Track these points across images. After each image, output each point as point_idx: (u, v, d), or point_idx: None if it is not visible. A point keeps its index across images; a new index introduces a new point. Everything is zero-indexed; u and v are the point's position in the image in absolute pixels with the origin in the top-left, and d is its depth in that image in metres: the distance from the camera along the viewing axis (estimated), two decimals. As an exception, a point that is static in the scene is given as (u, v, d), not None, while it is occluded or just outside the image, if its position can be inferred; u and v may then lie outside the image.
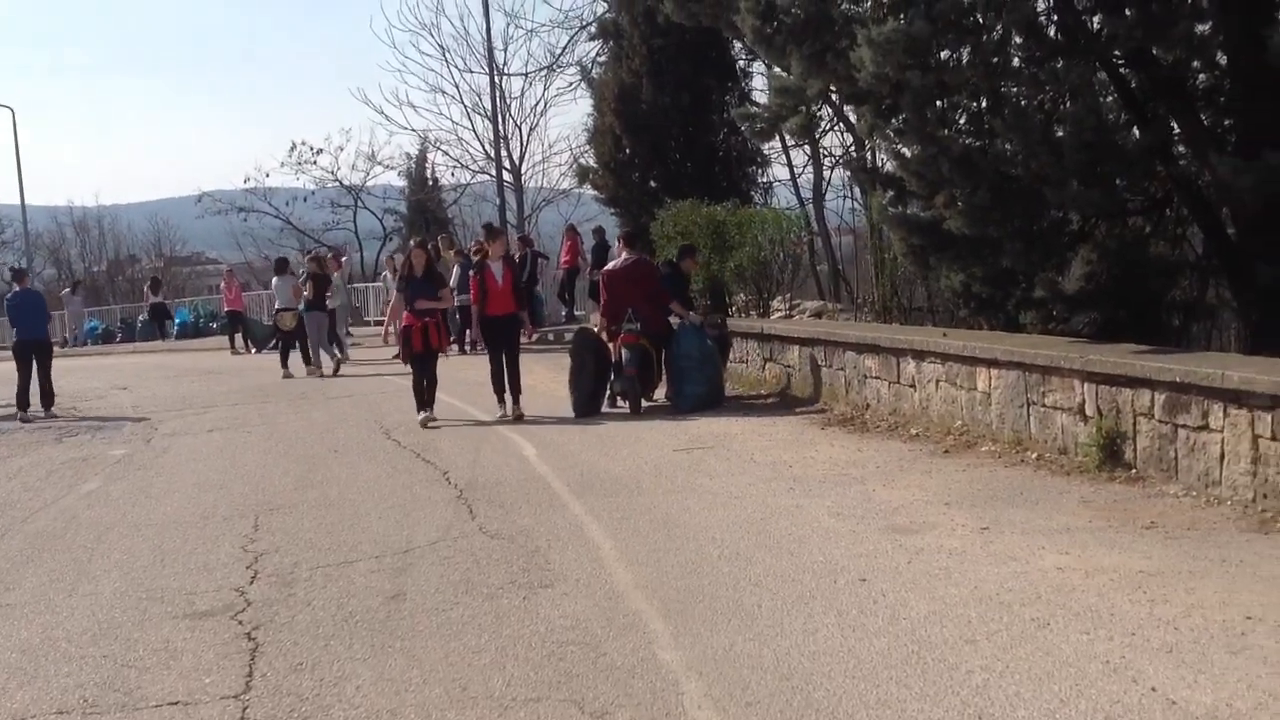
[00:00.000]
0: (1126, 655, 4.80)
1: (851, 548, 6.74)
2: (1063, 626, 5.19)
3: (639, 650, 5.28)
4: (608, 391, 13.15)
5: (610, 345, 13.14)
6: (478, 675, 5.11)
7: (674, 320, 13.19)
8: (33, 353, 17.19)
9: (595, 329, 13.64)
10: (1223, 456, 7.14)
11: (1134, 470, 7.93)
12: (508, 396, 12.95)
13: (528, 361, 19.01)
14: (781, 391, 13.29)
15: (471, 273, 14.10)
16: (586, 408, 12.81)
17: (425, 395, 13.02)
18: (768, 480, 8.80)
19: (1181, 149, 10.93)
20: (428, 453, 11.05)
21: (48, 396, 17.26)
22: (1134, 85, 11.07)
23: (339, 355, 20.90)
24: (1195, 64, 10.39)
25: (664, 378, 13.24)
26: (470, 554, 7.21)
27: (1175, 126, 10.75)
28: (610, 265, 14.13)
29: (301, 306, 20.58)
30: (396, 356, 14.67)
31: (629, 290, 13.08)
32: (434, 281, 13.42)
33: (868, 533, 7.06)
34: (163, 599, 6.70)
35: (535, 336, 14.57)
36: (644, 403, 12.92)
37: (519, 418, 12.69)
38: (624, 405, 12.94)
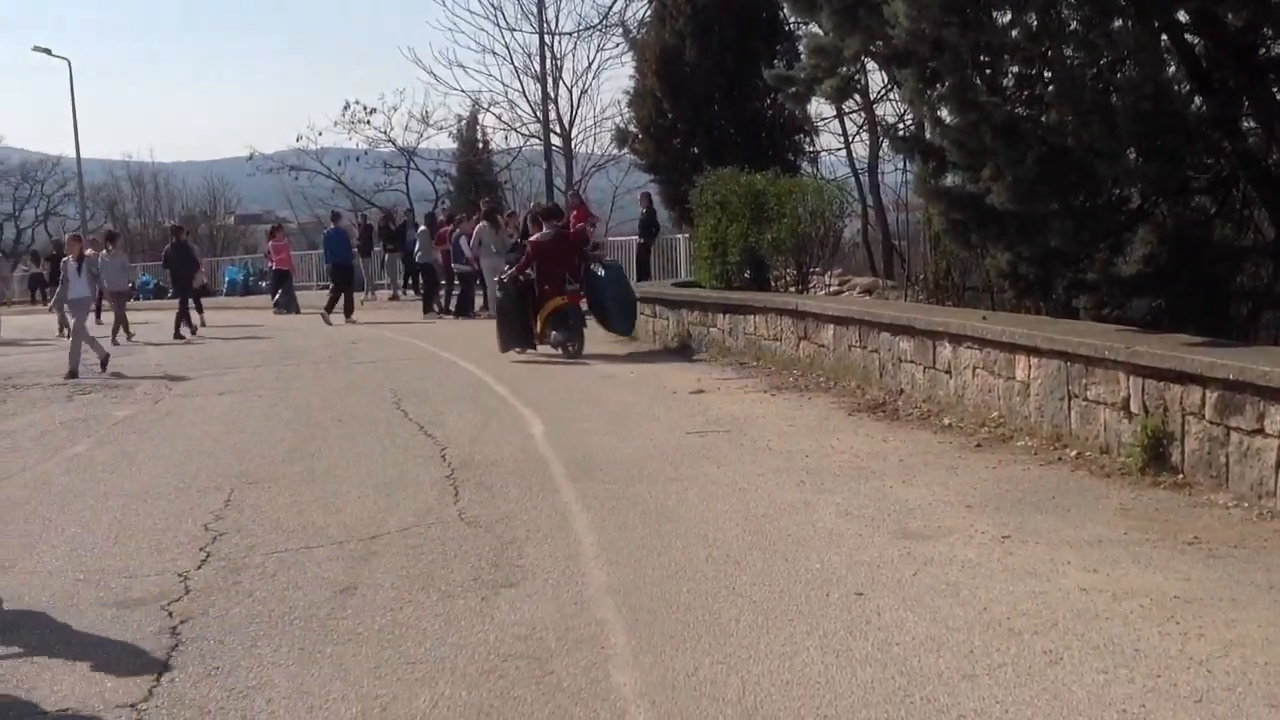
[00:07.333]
0: (1147, 704, 4.10)
1: (854, 554, 6.05)
2: (1077, 663, 4.49)
3: (591, 670, 4.65)
4: (538, 334, 15.48)
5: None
6: (404, 692, 4.51)
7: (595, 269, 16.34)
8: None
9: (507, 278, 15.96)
10: (1279, 465, 6.37)
11: (1180, 475, 7.17)
12: None
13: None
14: (813, 373, 12.57)
15: None
16: (520, 342, 15.39)
17: None
18: (778, 471, 8.11)
19: (1249, 124, 10.04)
20: (431, 426, 10.46)
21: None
22: (1199, 52, 10.17)
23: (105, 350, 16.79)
24: (1266, 30, 9.47)
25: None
26: (440, 543, 6.61)
27: (1245, 99, 9.85)
28: (537, 238, 15.95)
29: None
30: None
31: (563, 259, 15.63)
32: None
33: (875, 536, 6.37)
34: (98, 582, 6.15)
35: None
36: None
37: None
38: (557, 352, 15.26)
